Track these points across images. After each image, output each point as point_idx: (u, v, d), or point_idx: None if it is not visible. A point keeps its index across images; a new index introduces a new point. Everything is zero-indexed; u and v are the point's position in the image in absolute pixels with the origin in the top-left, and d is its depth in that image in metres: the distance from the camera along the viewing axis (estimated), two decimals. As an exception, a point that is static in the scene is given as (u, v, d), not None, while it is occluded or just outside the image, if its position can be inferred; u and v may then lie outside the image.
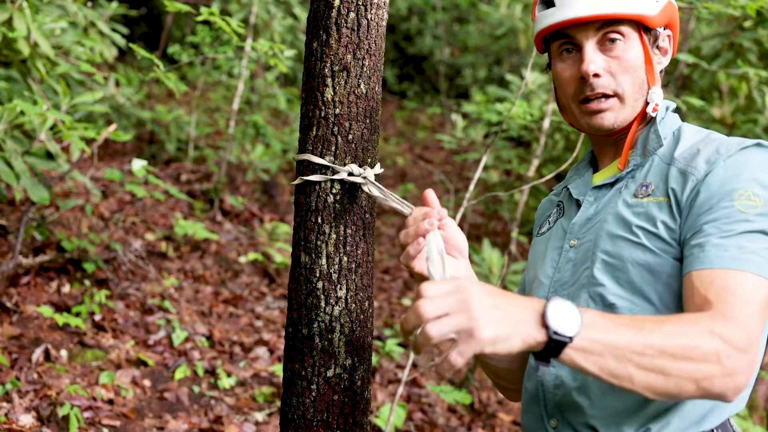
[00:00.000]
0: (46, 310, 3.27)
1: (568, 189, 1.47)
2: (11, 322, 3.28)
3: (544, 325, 0.95)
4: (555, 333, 0.95)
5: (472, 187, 3.01)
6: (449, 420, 3.66)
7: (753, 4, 3.09)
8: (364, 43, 1.54)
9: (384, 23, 1.58)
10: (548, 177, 2.99)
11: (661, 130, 1.34)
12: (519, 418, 3.83)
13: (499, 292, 0.97)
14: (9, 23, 3.30)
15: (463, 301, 0.93)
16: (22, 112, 3.06)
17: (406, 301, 4.95)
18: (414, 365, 4.03)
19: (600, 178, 1.41)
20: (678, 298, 1.21)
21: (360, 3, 1.52)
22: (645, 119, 1.38)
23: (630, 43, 1.31)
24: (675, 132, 1.34)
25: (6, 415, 2.70)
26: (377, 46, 1.57)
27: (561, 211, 1.47)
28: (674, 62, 4.86)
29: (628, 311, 1.23)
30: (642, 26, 1.32)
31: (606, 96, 1.32)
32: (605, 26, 1.30)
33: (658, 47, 1.37)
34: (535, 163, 4.61)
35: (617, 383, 1.00)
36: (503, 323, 0.93)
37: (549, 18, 1.34)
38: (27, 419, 2.73)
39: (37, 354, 3.10)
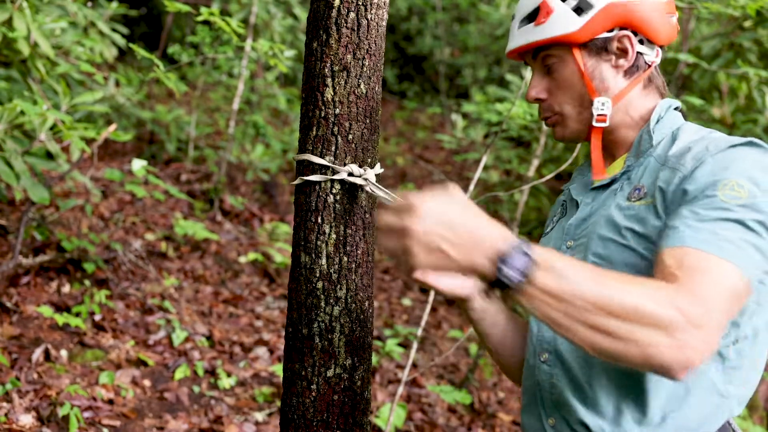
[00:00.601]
0: (46, 310, 3.27)
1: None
2: (11, 322, 3.28)
3: (496, 264, 0.99)
4: (503, 275, 1.00)
5: (472, 187, 3.01)
6: (449, 420, 3.66)
7: (753, 4, 3.09)
8: (364, 43, 1.54)
9: (384, 23, 1.58)
10: (548, 177, 3.00)
11: (659, 131, 1.33)
12: (519, 418, 3.83)
13: (461, 219, 1.00)
14: (9, 23, 3.30)
15: (405, 230, 0.99)
16: (22, 112, 3.06)
17: (406, 301, 4.95)
18: (414, 365, 4.03)
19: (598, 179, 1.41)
20: None
21: (360, 3, 1.52)
22: (643, 120, 1.38)
23: (564, 63, 1.36)
24: (674, 132, 1.33)
25: (6, 415, 2.70)
26: (377, 46, 1.57)
27: (564, 211, 1.48)
28: (674, 62, 4.86)
29: None
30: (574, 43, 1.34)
31: (552, 114, 1.40)
32: (539, 52, 1.38)
33: (612, 52, 1.35)
34: (535, 163, 4.61)
35: (560, 333, 1.02)
36: (446, 255, 0.99)
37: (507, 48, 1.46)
38: (27, 419, 2.73)
39: (37, 354, 3.10)
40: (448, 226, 0.99)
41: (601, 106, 1.35)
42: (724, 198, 1.14)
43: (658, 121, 1.35)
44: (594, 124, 1.36)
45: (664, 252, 1.13)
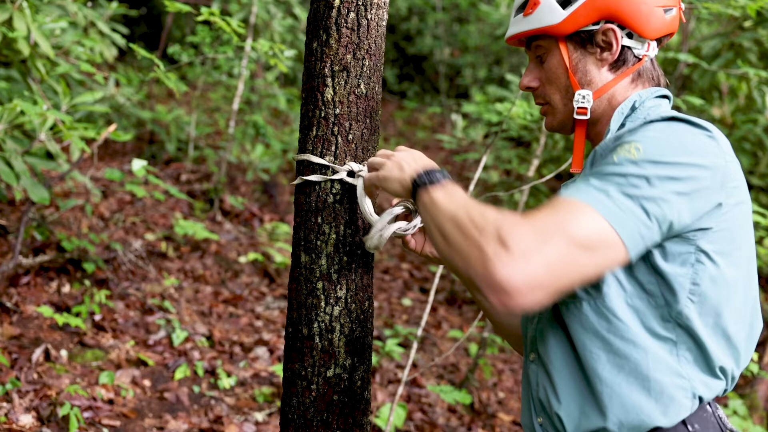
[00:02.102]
0: (46, 310, 3.27)
1: None
2: (11, 322, 3.28)
3: (413, 179, 1.33)
4: (419, 178, 1.31)
5: (472, 187, 3.01)
6: (449, 420, 3.66)
7: (753, 4, 3.09)
8: (364, 43, 1.54)
9: (384, 23, 1.58)
10: (548, 177, 3.00)
11: (630, 124, 1.32)
12: (519, 418, 3.83)
13: (418, 155, 1.40)
14: (9, 23, 3.30)
15: (392, 155, 1.43)
16: (22, 112, 3.06)
17: (406, 301, 4.95)
18: (414, 365, 4.03)
19: None
20: (616, 282, 1.21)
21: (360, 3, 1.52)
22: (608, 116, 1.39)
23: (551, 54, 1.39)
24: (641, 124, 1.28)
25: (6, 415, 2.70)
26: (377, 46, 1.57)
27: None
28: (674, 62, 4.86)
29: (571, 304, 1.25)
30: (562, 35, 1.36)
31: (543, 102, 1.44)
32: (531, 42, 1.41)
33: (597, 44, 1.35)
34: (535, 163, 4.61)
35: (432, 238, 1.20)
36: (405, 168, 1.37)
37: None
38: (27, 419, 2.73)
39: (37, 354, 3.10)
40: (411, 155, 1.40)
41: (581, 99, 1.36)
42: (617, 158, 1.15)
43: (633, 109, 1.34)
44: (574, 116, 1.37)
45: None
